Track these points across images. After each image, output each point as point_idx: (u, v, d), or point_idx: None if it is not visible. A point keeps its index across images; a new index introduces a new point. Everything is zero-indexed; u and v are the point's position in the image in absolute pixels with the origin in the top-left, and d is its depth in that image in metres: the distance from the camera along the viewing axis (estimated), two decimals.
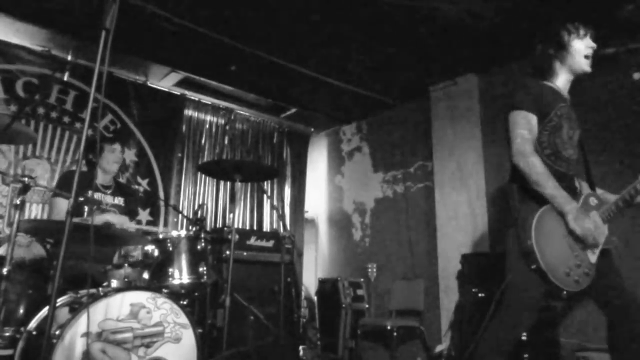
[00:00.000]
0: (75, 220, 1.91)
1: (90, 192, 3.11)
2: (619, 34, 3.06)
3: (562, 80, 2.33)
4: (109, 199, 3.43)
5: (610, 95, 4.00)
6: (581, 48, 2.27)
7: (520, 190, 2.15)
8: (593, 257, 2.08)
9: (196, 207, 5.62)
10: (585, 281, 2.03)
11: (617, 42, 2.35)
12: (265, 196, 6.34)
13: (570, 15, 2.44)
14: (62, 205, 3.18)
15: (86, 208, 2.77)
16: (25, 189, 2.30)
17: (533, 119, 2.18)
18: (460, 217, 4.92)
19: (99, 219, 3.05)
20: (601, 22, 3.63)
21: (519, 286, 2.08)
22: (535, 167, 2.07)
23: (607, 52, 2.32)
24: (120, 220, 3.19)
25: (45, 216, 4.39)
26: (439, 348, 4.61)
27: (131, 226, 3.35)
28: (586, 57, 2.27)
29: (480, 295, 4.04)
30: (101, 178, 3.45)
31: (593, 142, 3.69)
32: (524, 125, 2.15)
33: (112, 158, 3.47)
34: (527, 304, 2.08)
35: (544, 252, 1.97)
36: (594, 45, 2.28)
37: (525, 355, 3.42)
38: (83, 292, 2.44)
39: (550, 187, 2.05)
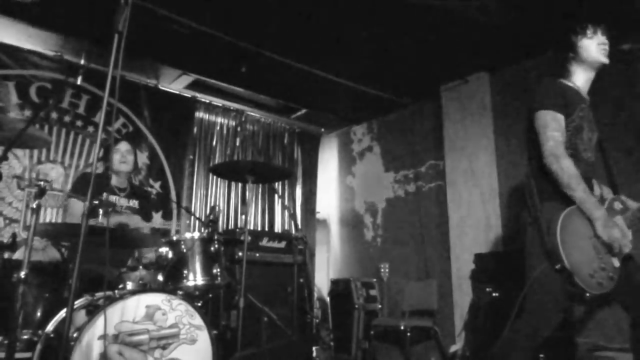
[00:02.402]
0: (90, 223, 1.92)
1: (105, 195, 3.13)
2: (636, 28, 3.02)
3: (581, 80, 2.31)
4: (123, 202, 3.46)
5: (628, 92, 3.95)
6: (592, 46, 2.26)
7: (539, 188, 2.12)
8: (617, 261, 2.05)
9: (208, 209, 5.64)
10: (609, 285, 2.00)
11: (634, 37, 2.32)
12: (276, 197, 6.35)
13: (585, 11, 2.42)
14: (78, 207, 3.21)
15: (101, 211, 2.78)
16: (41, 192, 2.32)
17: (562, 119, 2.16)
18: (473, 216, 4.89)
19: (113, 220, 3.07)
20: (617, 17, 3.61)
21: (542, 287, 2.05)
22: (568, 170, 2.05)
23: (624, 48, 2.30)
24: (134, 221, 3.22)
25: (60, 220, 4.43)
26: (453, 348, 4.58)
27: (145, 226, 3.37)
28: (601, 50, 2.26)
29: (494, 294, 4.01)
30: (116, 180, 3.48)
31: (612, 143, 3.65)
32: (556, 127, 2.13)
33: (118, 158, 3.50)
34: (550, 304, 2.05)
35: (569, 252, 1.94)
36: (605, 40, 2.26)
37: (541, 355, 3.38)
38: (99, 294, 2.45)
39: (581, 190, 2.03)
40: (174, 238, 3.01)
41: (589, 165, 2.22)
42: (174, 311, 2.48)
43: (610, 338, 3.58)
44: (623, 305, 2.12)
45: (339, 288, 5.22)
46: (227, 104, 6.12)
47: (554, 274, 1.97)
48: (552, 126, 2.13)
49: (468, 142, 5.09)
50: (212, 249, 3.03)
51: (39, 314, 2.55)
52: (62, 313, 2.37)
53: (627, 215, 2.15)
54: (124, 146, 3.56)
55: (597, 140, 2.31)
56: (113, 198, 3.40)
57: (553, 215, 2.01)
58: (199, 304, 2.72)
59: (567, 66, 2.32)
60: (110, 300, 2.31)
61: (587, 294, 1.95)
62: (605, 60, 2.26)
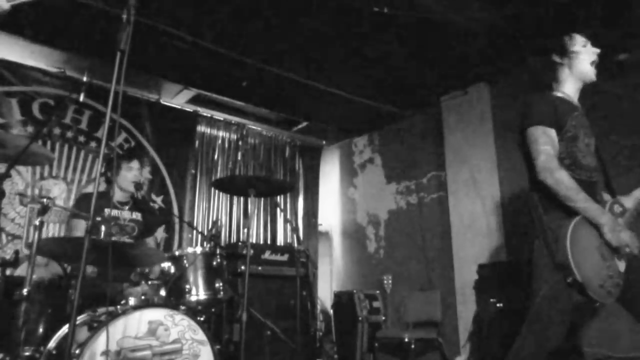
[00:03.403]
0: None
1: (107, 211, 3.13)
2: (631, 37, 3.04)
3: (571, 89, 2.33)
4: (126, 215, 3.45)
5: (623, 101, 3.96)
6: (585, 55, 2.28)
7: (543, 200, 2.12)
8: (622, 266, 2.06)
9: (210, 223, 5.64)
10: (617, 292, 2.00)
11: (630, 46, 2.34)
12: (278, 210, 6.35)
13: (583, 21, 2.44)
14: (79, 226, 3.21)
15: (103, 228, 2.79)
16: (44, 210, 2.33)
17: (552, 132, 2.16)
18: (476, 226, 4.88)
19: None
20: (613, 26, 3.64)
21: (552, 300, 2.04)
22: (564, 182, 2.05)
23: (620, 58, 2.31)
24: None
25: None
26: None
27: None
28: (592, 63, 2.28)
29: (498, 305, 3.99)
30: (118, 195, 3.47)
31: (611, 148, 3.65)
32: (546, 141, 2.13)
33: (130, 177, 3.41)
34: (558, 317, 2.05)
35: (580, 265, 1.94)
36: (597, 50, 2.29)
37: None
38: (101, 310, 2.45)
39: (581, 200, 2.03)
40: (177, 253, 3.01)
41: (592, 171, 2.23)
42: (177, 326, 2.48)
43: (618, 347, 3.55)
44: (631, 311, 2.11)
45: (342, 300, 5.20)
46: (229, 117, 6.15)
47: (565, 287, 1.97)
48: (543, 140, 2.14)
49: (469, 153, 5.09)
50: (214, 263, 3.03)
51: (41, 330, 2.54)
52: (64, 329, 2.36)
53: (626, 216, 2.16)
54: (135, 164, 3.48)
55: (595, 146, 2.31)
56: (116, 212, 3.40)
57: (560, 228, 2.00)
58: (202, 319, 2.71)
59: (557, 74, 2.33)
60: (113, 316, 2.30)
61: (597, 304, 1.95)
62: (594, 78, 2.29)
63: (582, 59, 2.27)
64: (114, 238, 3.16)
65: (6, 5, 1.35)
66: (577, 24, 2.43)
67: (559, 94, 2.30)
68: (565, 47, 2.29)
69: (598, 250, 2.02)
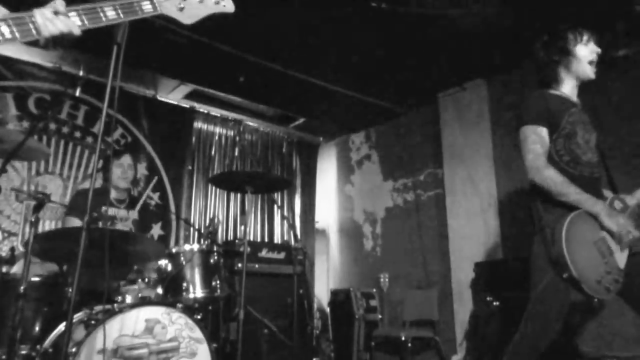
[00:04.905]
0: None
1: (104, 208, 3.11)
2: (631, 36, 3.04)
3: (568, 87, 2.32)
4: (123, 213, 3.43)
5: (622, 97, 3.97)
6: (586, 54, 2.27)
7: (542, 197, 2.12)
8: (622, 262, 2.05)
9: (207, 220, 5.61)
10: (616, 288, 2.00)
11: (629, 43, 2.33)
12: (275, 207, 6.33)
13: (581, 18, 2.43)
14: (74, 224, 3.18)
15: (100, 224, 2.77)
16: (39, 206, 2.31)
17: (543, 131, 2.17)
18: (473, 224, 4.88)
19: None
20: (613, 25, 3.63)
21: (549, 296, 2.05)
22: (552, 179, 2.06)
23: (619, 54, 2.31)
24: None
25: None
26: (454, 358, 4.56)
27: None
28: (591, 62, 2.27)
29: (495, 303, 3.99)
30: (114, 192, 3.45)
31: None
32: (535, 140, 2.15)
33: (119, 173, 3.42)
34: (554, 313, 2.05)
35: (576, 261, 1.94)
36: (598, 50, 2.28)
37: None
38: (98, 308, 2.43)
39: (572, 193, 2.04)
40: (173, 250, 2.99)
41: (593, 167, 2.22)
42: (174, 324, 2.47)
43: (614, 346, 3.55)
44: (634, 307, 2.11)
45: (339, 298, 5.20)
46: (226, 113, 6.12)
47: (561, 284, 1.97)
48: (532, 139, 2.15)
49: (466, 150, 5.09)
50: (211, 260, 3.02)
51: (37, 328, 2.52)
52: (61, 327, 2.35)
53: (627, 213, 2.16)
54: (126, 160, 3.50)
55: (596, 141, 2.31)
56: (112, 210, 3.38)
57: (557, 224, 2.01)
58: (199, 317, 2.70)
59: (556, 72, 2.32)
60: (110, 314, 2.29)
61: (595, 300, 1.95)
62: (593, 76, 2.28)
63: (581, 59, 2.26)
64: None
65: (78, 31, 1.33)
66: (577, 20, 2.42)
67: (556, 92, 2.30)
68: (565, 45, 2.28)
69: (596, 246, 2.02)
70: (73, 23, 1.30)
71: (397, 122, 6.17)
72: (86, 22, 1.32)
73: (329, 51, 4.60)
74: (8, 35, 1.21)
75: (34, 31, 1.25)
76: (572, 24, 2.33)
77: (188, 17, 1.55)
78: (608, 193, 2.28)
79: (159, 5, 1.46)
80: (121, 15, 1.37)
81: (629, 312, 2.14)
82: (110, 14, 1.36)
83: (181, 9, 1.51)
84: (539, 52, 2.37)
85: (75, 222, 3.17)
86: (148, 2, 1.44)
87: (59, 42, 1.30)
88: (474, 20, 4.01)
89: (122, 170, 3.43)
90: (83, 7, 1.33)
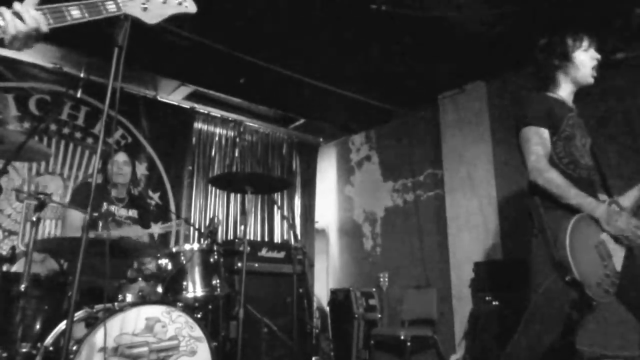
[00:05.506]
0: (90, 236, 1.92)
1: (105, 205, 3.13)
2: (630, 39, 3.05)
3: (565, 92, 2.33)
4: (123, 212, 3.45)
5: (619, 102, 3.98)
6: (586, 60, 2.27)
7: (543, 198, 2.13)
8: (619, 265, 2.07)
9: (207, 219, 5.63)
10: (614, 290, 2.01)
11: (627, 47, 2.34)
12: (275, 207, 6.35)
13: (580, 21, 2.44)
14: (75, 217, 3.20)
15: (101, 222, 2.79)
16: (41, 206, 2.33)
17: (545, 132, 2.17)
18: (472, 224, 4.89)
19: (114, 234, 3.06)
20: (611, 28, 3.65)
21: (549, 298, 2.05)
22: (554, 181, 2.06)
23: (618, 57, 2.32)
24: (135, 232, 3.21)
25: (58, 232, 4.42)
26: (453, 358, 4.57)
27: (145, 233, 3.36)
28: (592, 68, 2.28)
29: (494, 303, 4.01)
30: (114, 191, 3.47)
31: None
32: (537, 142, 2.15)
33: (115, 170, 3.45)
34: (554, 316, 2.06)
35: (578, 263, 1.94)
36: (598, 56, 2.28)
37: None
38: (99, 306, 2.45)
39: (574, 196, 2.04)
40: (174, 250, 3.01)
41: (590, 169, 2.24)
42: (174, 323, 2.48)
43: (615, 347, 3.57)
44: (630, 309, 2.12)
45: (339, 298, 5.21)
46: (226, 114, 6.14)
47: (562, 286, 1.97)
48: (534, 140, 2.15)
49: (466, 151, 5.10)
50: (211, 260, 3.03)
51: (38, 326, 2.54)
52: (62, 326, 2.36)
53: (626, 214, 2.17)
54: (121, 157, 3.52)
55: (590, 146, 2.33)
56: (113, 208, 3.40)
57: (560, 226, 2.01)
58: (199, 316, 2.72)
59: (554, 76, 2.33)
60: (110, 313, 2.30)
61: (594, 302, 1.96)
62: (592, 82, 2.29)
63: (580, 65, 2.27)
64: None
65: (45, 29, 1.35)
66: (575, 23, 2.43)
67: (554, 95, 2.31)
68: (564, 51, 2.29)
69: (596, 249, 2.03)
70: (42, 18, 1.32)
71: (397, 124, 6.18)
72: (51, 20, 1.34)
73: (330, 52, 4.61)
74: None
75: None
76: (573, 29, 2.33)
77: (152, 17, 1.58)
78: (603, 196, 2.29)
79: (123, 6, 1.50)
80: (86, 15, 1.41)
81: (625, 313, 2.16)
82: (74, 13, 1.39)
83: (145, 9, 1.54)
84: (539, 55, 2.38)
85: (75, 215, 3.19)
86: (112, 2, 1.47)
87: (23, 41, 1.31)
88: (473, 22, 4.03)
89: (117, 167, 3.45)
90: (49, 7, 1.35)
